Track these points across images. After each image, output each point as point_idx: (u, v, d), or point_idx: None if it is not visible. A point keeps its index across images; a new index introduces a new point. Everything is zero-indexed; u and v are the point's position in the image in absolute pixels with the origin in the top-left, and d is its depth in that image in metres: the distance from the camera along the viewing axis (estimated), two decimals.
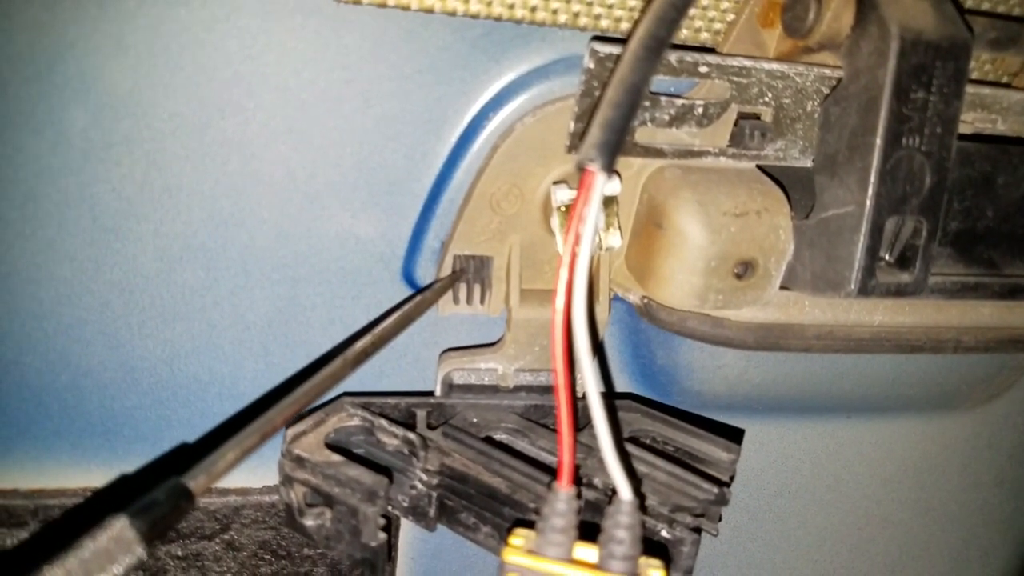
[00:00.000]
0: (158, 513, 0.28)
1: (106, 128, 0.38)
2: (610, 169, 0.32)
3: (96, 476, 0.46)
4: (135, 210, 0.40)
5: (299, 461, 0.39)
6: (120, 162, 0.39)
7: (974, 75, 0.45)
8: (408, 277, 0.45)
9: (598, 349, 0.48)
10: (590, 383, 0.31)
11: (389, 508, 0.41)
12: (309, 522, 0.38)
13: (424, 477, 0.40)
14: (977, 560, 0.67)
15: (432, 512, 0.41)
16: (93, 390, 0.44)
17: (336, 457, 0.38)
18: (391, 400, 0.43)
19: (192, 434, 0.46)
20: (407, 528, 0.52)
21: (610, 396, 0.49)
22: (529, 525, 0.34)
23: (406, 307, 0.41)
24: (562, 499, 0.33)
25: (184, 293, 0.42)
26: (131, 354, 0.43)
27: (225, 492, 0.47)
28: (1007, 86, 0.45)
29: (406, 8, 0.37)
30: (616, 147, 0.32)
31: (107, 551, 0.26)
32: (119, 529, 0.26)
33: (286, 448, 0.39)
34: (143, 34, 0.37)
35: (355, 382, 0.46)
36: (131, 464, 0.46)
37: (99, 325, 0.42)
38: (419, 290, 0.44)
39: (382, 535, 0.38)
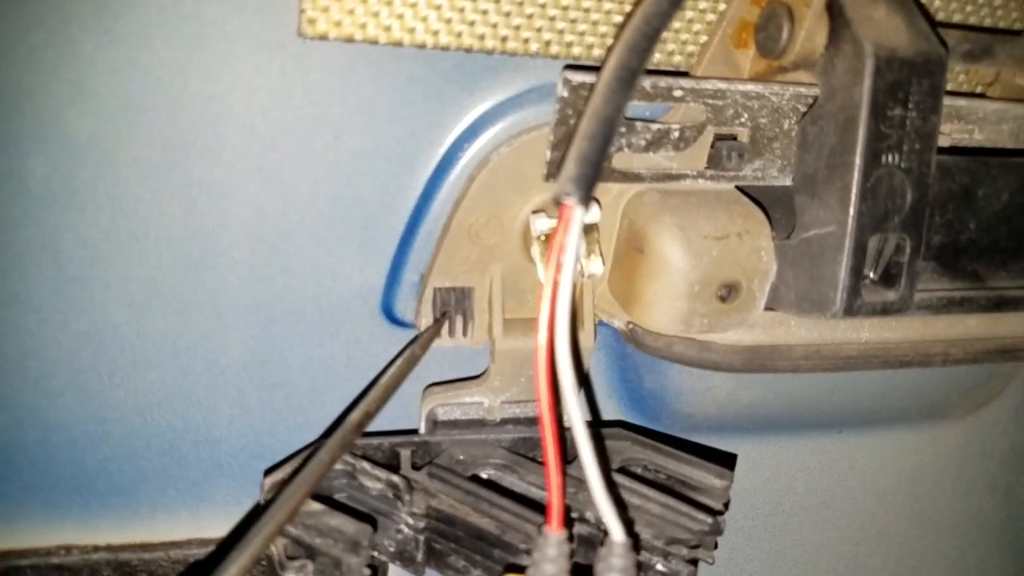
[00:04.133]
0: None
1: (67, 175, 0.37)
2: (587, 202, 0.31)
3: (70, 533, 0.44)
4: (101, 257, 0.39)
5: None
6: (84, 209, 0.38)
7: (949, 87, 0.44)
8: (388, 312, 0.44)
9: (584, 377, 0.47)
10: (576, 419, 0.31)
11: (375, 555, 0.40)
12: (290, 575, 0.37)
13: (410, 521, 0.39)
14: (974, 569, 0.66)
15: (420, 557, 0.40)
16: (63, 444, 0.42)
17: (317, 506, 0.37)
18: (374, 440, 0.42)
19: (168, 484, 0.44)
20: (395, 573, 0.50)
21: (599, 424, 0.48)
22: (522, 569, 0.33)
23: (392, 369, 0.40)
24: (552, 544, 0.32)
25: (155, 340, 0.41)
26: (102, 405, 0.42)
27: (205, 543, 0.46)
28: (982, 96, 0.45)
29: (374, 42, 0.36)
30: (592, 180, 0.31)
31: None
32: None
33: (264, 498, 0.38)
34: (102, 78, 0.36)
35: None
36: (105, 519, 0.44)
37: (67, 377, 0.41)
38: (403, 349, 0.43)
39: None
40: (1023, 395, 0.61)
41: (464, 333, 0.44)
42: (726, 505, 0.41)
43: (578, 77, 0.35)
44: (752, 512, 0.57)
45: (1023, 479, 0.65)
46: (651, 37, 0.32)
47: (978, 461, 0.62)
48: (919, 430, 0.59)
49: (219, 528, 0.46)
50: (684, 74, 0.40)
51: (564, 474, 0.32)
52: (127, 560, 0.45)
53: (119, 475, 0.44)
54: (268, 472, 0.40)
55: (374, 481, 0.40)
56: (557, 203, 0.31)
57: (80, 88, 0.36)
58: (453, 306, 0.44)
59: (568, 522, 0.34)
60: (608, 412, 0.50)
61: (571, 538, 0.33)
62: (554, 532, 0.32)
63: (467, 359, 0.46)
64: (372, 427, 0.45)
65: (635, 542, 0.37)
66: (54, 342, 0.40)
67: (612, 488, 0.36)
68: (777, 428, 0.54)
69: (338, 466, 0.41)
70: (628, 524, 0.33)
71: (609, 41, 0.38)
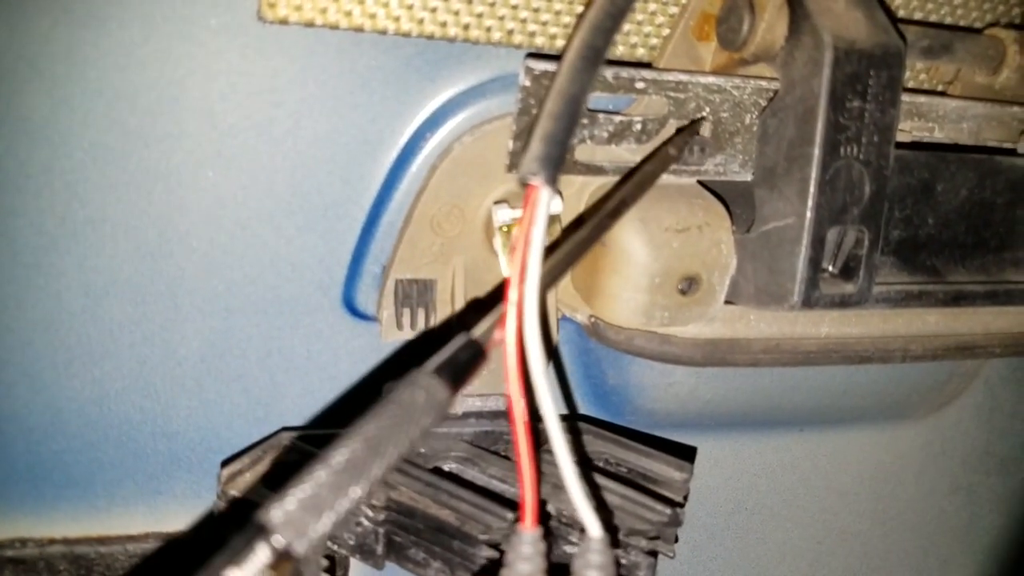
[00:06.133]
0: (459, 367, 0.28)
1: (23, 159, 0.37)
2: (554, 182, 0.31)
3: (25, 525, 0.44)
4: (56, 244, 0.38)
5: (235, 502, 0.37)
6: (39, 194, 0.37)
7: (910, 84, 0.45)
8: (349, 304, 0.43)
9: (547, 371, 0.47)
10: (550, 415, 0.30)
11: (335, 548, 0.40)
12: None
13: (370, 513, 0.39)
14: (936, 568, 0.67)
15: (380, 549, 0.40)
16: (18, 435, 0.41)
17: (271, 494, 0.37)
18: (333, 433, 0.42)
19: (125, 476, 0.43)
20: (356, 568, 0.50)
21: (562, 418, 0.48)
22: (487, 563, 0.33)
23: (648, 167, 0.37)
24: (527, 542, 0.31)
25: (111, 329, 0.40)
26: (58, 395, 0.41)
27: (163, 536, 0.45)
28: (942, 94, 0.45)
29: (335, 27, 0.36)
30: (558, 159, 0.31)
31: (419, 405, 0.26)
32: (428, 384, 0.27)
33: (221, 489, 0.37)
34: (58, 60, 0.35)
35: (294, 416, 0.44)
36: (61, 512, 0.43)
37: (22, 366, 0.40)
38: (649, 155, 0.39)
39: None
40: (984, 396, 0.62)
41: (426, 326, 0.44)
42: (686, 498, 0.41)
43: (540, 66, 0.35)
44: (714, 510, 0.57)
45: (985, 479, 0.66)
46: (615, 17, 0.32)
47: (940, 461, 0.63)
48: (881, 429, 0.59)
49: (177, 522, 0.45)
50: (647, 66, 0.40)
51: (538, 469, 0.32)
52: (83, 553, 0.44)
53: (75, 467, 0.43)
54: (225, 463, 0.40)
55: None
56: (523, 184, 0.30)
57: (36, 70, 0.35)
58: (415, 298, 0.44)
59: (543, 518, 0.34)
60: (572, 408, 0.50)
61: (546, 536, 0.32)
62: (528, 530, 0.31)
63: (429, 352, 0.46)
64: (332, 420, 0.45)
65: (613, 537, 0.36)
66: (8, 330, 0.39)
67: (588, 485, 0.35)
68: (739, 426, 0.54)
69: (295, 458, 0.40)
70: (606, 523, 0.32)
71: (572, 31, 0.38)
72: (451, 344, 0.29)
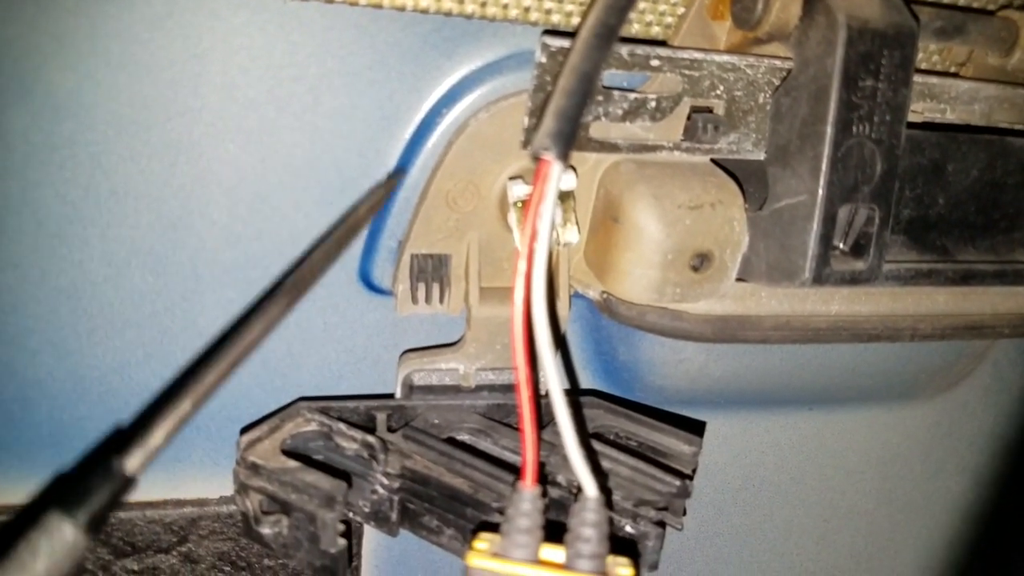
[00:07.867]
0: (96, 504, 0.25)
1: (48, 130, 0.37)
2: (566, 158, 0.31)
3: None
4: (80, 214, 0.39)
5: (254, 468, 0.38)
6: (63, 165, 0.38)
7: (922, 66, 0.45)
8: (365, 278, 0.44)
9: (559, 343, 0.48)
10: (552, 378, 0.31)
11: (350, 515, 0.40)
12: (265, 530, 0.37)
13: (385, 481, 0.40)
14: (942, 548, 0.67)
15: (394, 517, 0.40)
16: (41, 401, 0.42)
17: (292, 463, 0.38)
18: (350, 404, 0.43)
19: None
20: (370, 535, 0.51)
21: (573, 392, 0.48)
22: (495, 527, 0.34)
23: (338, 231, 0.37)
24: (526, 499, 0.32)
25: (133, 299, 0.41)
26: (80, 363, 0.42)
27: (181, 503, 0.46)
28: (954, 75, 0.45)
29: (354, 4, 0.36)
30: (571, 136, 0.31)
31: (46, 553, 0.23)
32: (57, 528, 0.24)
33: (241, 455, 0.38)
34: (83, 33, 0.36)
35: (311, 386, 0.45)
36: None
37: (46, 334, 0.41)
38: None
39: (341, 541, 0.37)
40: (992, 377, 0.62)
41: (441, 300, 0.45)
42: (694, 471, 0.42)
43: (556, 42, 0.35)
44: (722, 486, 0.58)
45: (991, 461, 0.66)
46: None
47: (947, 442, 0.63)
48: (889, 409, 0.60)
49: (196, 488, 0.46)
50: (662, 44, 0.40)
51: (539, 431, 0.33)
52: None
53: (96, 434, 0.44)
54: (244, 431, 0.40)
55: (350, 441, 0.40)
56: (535, 159, 0.31)
57: (61, 43, 0.36)
58: (430, 273, 0.44)
59: (542, 480, 0.35)
60: (583, 383, 0.51)
61: (544, 495, 0.33)
62: (528, 488, 0.32)
63: (443, 326, 0.46)
64: (348, 390, 0.45)
65: (608, 500, 0.37)
66: (32, 298, 0.40)
67: (586, 448, 0.36)
68: (748, 403, 0.55)
69: (313, 427, 0.41)
70: (601, 485, 0.33)
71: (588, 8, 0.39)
72: (94, 474, 0.25)
